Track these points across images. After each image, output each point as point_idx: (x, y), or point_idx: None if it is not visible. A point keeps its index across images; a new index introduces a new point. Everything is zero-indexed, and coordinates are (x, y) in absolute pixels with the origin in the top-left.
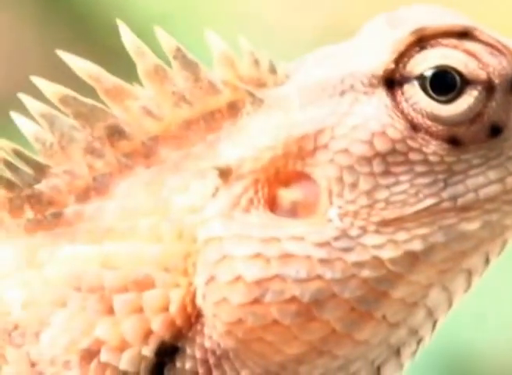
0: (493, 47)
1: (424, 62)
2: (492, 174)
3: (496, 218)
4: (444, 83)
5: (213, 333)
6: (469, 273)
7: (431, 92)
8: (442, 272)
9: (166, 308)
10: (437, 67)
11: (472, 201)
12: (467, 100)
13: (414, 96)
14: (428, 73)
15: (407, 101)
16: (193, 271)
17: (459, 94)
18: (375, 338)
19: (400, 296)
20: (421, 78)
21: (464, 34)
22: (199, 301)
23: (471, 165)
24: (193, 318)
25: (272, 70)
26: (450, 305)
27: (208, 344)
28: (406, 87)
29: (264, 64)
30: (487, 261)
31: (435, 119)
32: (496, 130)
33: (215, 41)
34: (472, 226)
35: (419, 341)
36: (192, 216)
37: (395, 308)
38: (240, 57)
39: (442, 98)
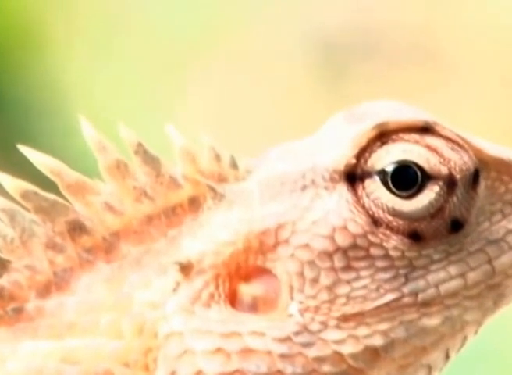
0: (454, 142)
1: (386, 157)
2: (453, 269)
3: (456, 313)
4: (405, 179)
5: None
6: (429, 369)
7: (392, 187)
8: (402, 367)
9: None
10: (398, 162)
11: (433, 297)
12: (429, 195)
13: (376, 191)
14: (390, 168)
15: (368, 196)
16: (154, 367)
17: (420, 189)
18: None
19: None
20: (382, 173)
21: (426, 129)
22: None
23: (432, 260)
24: None
25: (233, 165)
26: None
27: None
28: (367, 182)
29: (226, 159)
30: (447, 356)
31: (396, 214)
32: (456, 226)
33: (175, 135)
34: (433, 321)
35: None
36: (153, 312)
37: None
38: (201, 152)
39: (404, 193)
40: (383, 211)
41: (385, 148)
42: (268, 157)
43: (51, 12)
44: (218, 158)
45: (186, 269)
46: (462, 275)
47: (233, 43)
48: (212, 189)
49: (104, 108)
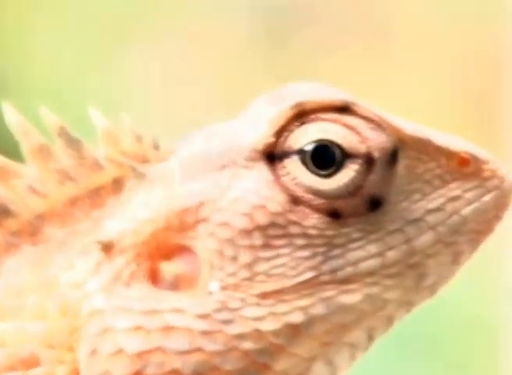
0: (373, 121)
1: (305, 137)
2: (372, 248)
3: (376, 291)
4: (324, 158)
5: None
6: (352, 348)
7: (311, 166)
8: (324, 345)
9: None
10: (317, 141)
11: (352, 275)
12: (348, 173)
13: (295, 170)
14: (309, 148)
15: (287, 175)
16: (77, 347)
17: (339, 167)
18: None
19: (281, 368)
20: (301, 152)
21: (344, 109)
22: None
23: (351, 238)
24: None
25: (156, 146)
26: None
27: None
28: (286, 161)
29: (148, 140)
30: (370, 337)
31: (315, 192)
32: (375, 204)
33: (97, 118)
34: (352, 298)
35: None
36: (76, 292)
37: None
38: (123, 133)
39: (323, 172)
40: (302, 190)
41: (304, 127)
42: (192, 138)
43: None
44: (139, 139)
45: (107, 248)
46: (380, 254)
47: (172, 11)
48: (133, 169)
49: (44, 78)
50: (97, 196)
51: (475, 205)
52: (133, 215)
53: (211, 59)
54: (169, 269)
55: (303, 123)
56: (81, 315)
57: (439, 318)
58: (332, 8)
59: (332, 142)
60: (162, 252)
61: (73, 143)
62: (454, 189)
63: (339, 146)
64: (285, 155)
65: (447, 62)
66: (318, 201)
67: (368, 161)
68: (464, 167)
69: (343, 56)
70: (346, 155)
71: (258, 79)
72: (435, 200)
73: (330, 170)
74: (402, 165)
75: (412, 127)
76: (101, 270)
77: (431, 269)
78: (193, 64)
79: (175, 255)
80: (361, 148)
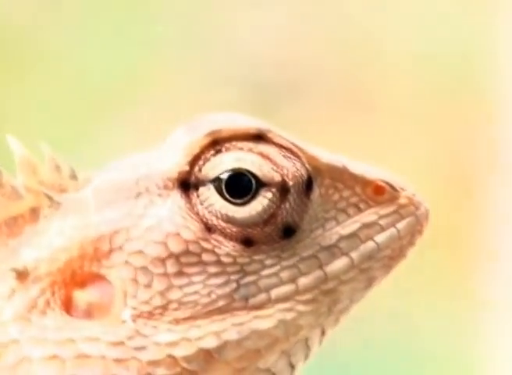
0: (287, 149)
1: (220, 166)
2: (284, 275)
3: (290, 317)
4: (239, 186)
5: None
6: (270, 373)
7: (226, 195)
8: (237, 371)
9: None
10: (232, 170)
11: (264, 302)
12: (262, 202)
13: (209, 199)
14: (224, 176)
15: (201, 203)
16: None
17: (254, 196)
18: None
19: None
20: (216, 181)
21: (259, 137)
22: None
23: (264, 265)
24: None
25: (73, 176)
26: None
27: None
28: (201, 189)
29: (66, 170)
30: (291, 364)
31: (229, 220)
32: (289, 232)
33: (16, 146)
34: (265, 324)
35: None
36: None
37: None
38: (41, 163)
39: (238, 201)
40: (217, 218)
41: (219, 156)
42: (108, 168)
43: None
44: (58, 169)
45: (21, 276)
46: (293, 280)
47: (157, 86)
48: (49, 197)
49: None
50: (15, 225)
51: (390, 231)
52: (49, 243)
53: None
54: (83, 297)
55: (218, 152)
56: None
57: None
58: (320, 83)
59: (247, 171)
60: (77, 280)
61: None
62: (369, 216)
63: (253, 175)
64: (200, 183)
65: (432, 134)
66: (232, 230)
67: (282, 189)
68: (380, 195)
69: (330, 130)
70: (261, 184)
71: None
72: (349, 226)
73: (245, 199)
74: (317, 193)
75: (328, 156)
76: (15, 298)
77: (344, 295)
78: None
79: (89, 284)
80: (276, 177)
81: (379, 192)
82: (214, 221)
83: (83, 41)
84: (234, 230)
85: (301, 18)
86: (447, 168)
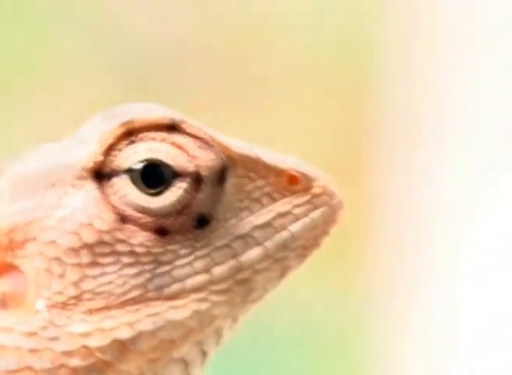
0: (201, 139)
1: (133, 156)
2: (198, 264)
3: (204, 308)
4: (153, 176)
5: None
6: (185, 363)
7: (140, 185)
8: (152, 361)
9: None
10: (146, 160)
11: (178, 292)
12: (176, 192)
13: (123, 189)
14: (137, 167)
15: (115, 193)
16: None
17: (168, 186)
18: None
19: None
20: (130, 171)
21: (173, 127)
22: None
23: (178, 255)
24: None
25: None
26: None
27: None
28: (115, 179)
29: None
30: (203, 352)
31: (144, 211)
32: (203, 221)
33: None
34: (180, 315)
35: None
36: None
37: None
38: None
39: (152, 191)
40: (131, 208)
41: (133, 146)
42: (23, 158)
43: None
44: None
45: None
46: (207, 270)
47: (44, 73)
48: None
49: None
50: None
51: (304, 220)
52: None
53: (80, 111)
54: None
55: (132, 142)
56: None
57: None
58: (203, 64)
59: (160, 162)
60: None
61: None
62: (283, 205)
63: (167, 165)
64: (114, 173)
65: (314, 102)
66: (145, 220)
67: (196, 180)
68: (293, 185)
69: (203, 98)
70: (175, 174)
71: None
72: (263, 216)
73: (159, 189)
74: (230, 183)
75: (241, 146)
76: None
77: (258, 284)
78: (62, 116)
79: (3, 274)
80: (189, 167)
81: (293, 182)
82: (128, 211)
83: None
84: (148, 220)
85: None
86: (332, 153)
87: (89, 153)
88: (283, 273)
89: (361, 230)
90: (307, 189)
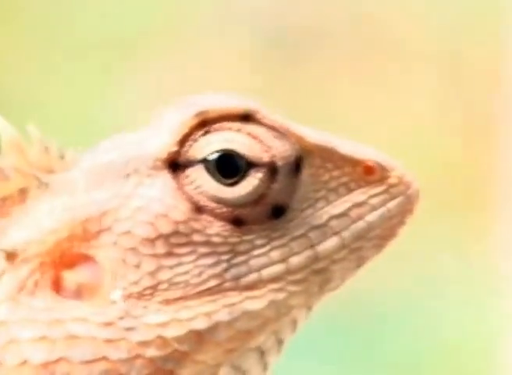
0: (276, 130)
1: (209, 146)
2: (275, 254)
3: (281, 298)
4: (229, 167)
5: None
6: (261, 352)
7: (216, 175)
8: (228, 351)
9: None
10: (221, 151)
11: (256, 281)
12: (251, 182)
13: (199, 179)
14: (213, 157)
15: (191, 184)
16: None
17: (243, 176)
18: None
19: None
20: (205, 162)
21: (247, 117)
22: None
23: (254, 245)
24: None
25: (61, 156)
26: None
27: None
28: (190, 170)
29: (54, 151)
30: (279, 341)
31: (219, 201)
32: (279, 211)
33: (4, 127)
34: (257, 305)
35: None
36: None
37: None
38: (29, 144)
39: (228, 181)
40: (206, 198)
41: (208, 136)
42: (97, 148)
43: None
44: (46, 149)
45: (11, 257)
46: (284, 260)
47: (177, 36)
48: (37, 178)
49: (39, 108)
50: (3, 205)
51: (380, 210)
52: (38, 224)
53: (214, 79)
54: (72, 278)
55: (207, 132)
56: None
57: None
58: (338, 30)
59: (236, 152)
60: (66, 261)
61: None
62: (359, 195)
63: (243, 155)
64: (189, 163)
65: (450, 80)
66: (222, 210)
67: (272, 170)
68: (370, 175)
69: (349, 77)
70: (250, 164)
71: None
72: (339, 206)
73: (234, 179)
74: (306, 173)
75: (317, 136)
76: (4, 279)
77: (335, 275)
78: (195, 84)
79: (78, 264)
80: (265, 157)
81: (369, 172)
82: (204, 202)
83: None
84: (224, 210)
85: None
86: (462, 116)
87: (163, 143)
88: (360, 263)
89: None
90: (383, 179)
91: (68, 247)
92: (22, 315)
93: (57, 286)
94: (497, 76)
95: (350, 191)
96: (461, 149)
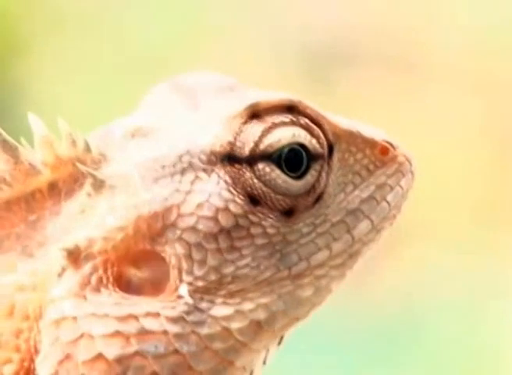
0: (316, 119)
1: (269, 139)
2: (320, 241)
3: (324, 283)
4: (294, 160)
5: None
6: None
7: (285, 169)
8: (275, 337)
9: None
10: (290, 145)
11: (304, 269)
12: (313, 174)
13: (270, 173)
14: (284, 151)
15: (259, 177)
16: (26, 347)
17: (307, 169)
18: None
19: (242, 364)
20: (274, 156)
21: (292, 108)
22: None
23: (302, 234)
24: None
25: (88, 149)
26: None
27: None
28: (260, 164)
29: (80, 143)
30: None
31: (285, 193)
32: (319, 198)
33: (36, 124)
34: (306, 292)
35: None
36: (23, 294)
37: None
38: (59, 138)
39: (294, 174)
40: (274, 191)
41: (258, 127)
42: (122, 137)
43: (24, 13)
44: (74, 143)
45: (73, 254)
46: (328, 246)
47: (208, 52)
48: (92, 175)
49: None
50: (34, 200)
51: (396, 190)
52: (100, 222)
53: None
54: (136, 274)
55: (257, 124)
56: (31, 317)
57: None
58: (376, 47)
59: (304, 145)
60: (130, 258)
61: (10, 148)
62: (379, 176)
63: (308, 149)
64: (257, 158)
65: (474, 95)
66: (284, 201)
67: (324, 159)
68: (385, 155)
69: (384, 95)
70: (310, 156)
71: None
72: (366, 189)
73: (298, 172)
74: (336, 158)
75: (342, 120)
76: (66, 276)
77: (363, 256)
78: None
79: (142, 260)
80: (318, 148)
81: (385, 152)
82: (268, 194)
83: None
84: (286, 201)
85: None
86: (500, 134)
87: (216, 137)
88: (379, 242)
89: None
90: (394, 158)
91: (133, 243)
92: (90, 310)
93: (119, 282)
94: None
95: (370, 172)
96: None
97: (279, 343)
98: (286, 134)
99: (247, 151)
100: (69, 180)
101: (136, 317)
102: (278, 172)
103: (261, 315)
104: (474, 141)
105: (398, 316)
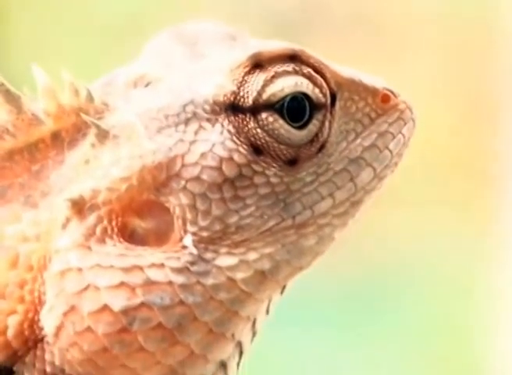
0: (318, 68)
1: (272, 88)
2: (323, 190)
3: (327, 232)
4: (296, 109)
5: (56, 360)
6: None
7: (287, 118)
8: (280, 287)
9: (3, 333)
10: (293, 94)
11: (308, 218)
12: (315, 124)
13: (273, 123)
14: (286, 100)
15: (262, 127)
16: (30, 298)
17: (310, 118)
18: (222, 356)
19: (247, 314)
20: (277, 105)
21: (294, 58)
22: (46, 330)
23: (305, 183)
24: (30, 343)
25: (90, 98)
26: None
27: (49, 369)
28: (247, 111)
29: (83, 93)
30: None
31: (288, 143)
32: (322, 146)
33: (39, 74)
34: (309, 242)
35: (241, 353)
36: (26, 245)
37: (240, 326)
38: (61, 88)
39: (297, 124)
40: (276, 141)
41: (261, 77)
42: (124, 87)
43: None
44: (77, 92)
45: (77, 205)
46: (331, 195)
47: (177, 21)
48: (96, 125)
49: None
50: (37, 150)
51: (398, 138)
52: (105, 172)
53: None
54: (141, 224)
55: (259, 73)
56: (35, 268)
57: None
58: (347, 11)
59: (307, 95)
60: (134, 208)
61: (12, 98)
62: (381, 124)
63: (311, 98)
64: (248, 106)
65: (445, 59)
66: (287, 151)
67: (326, 109)
68: (386, 103)
69: (355, 59)
70: (313, 106)
71: None
72: (368, 137)
73: (301, 122)
74: (338, 106)
75: (343, 69)
76: (71, 227)
77: (365, 205)
78: None
79: (146, 211)
80: (321, 98)
81: (386, 100)
82: (271, 143)
83: None
84: (289, 151)
85: None
86: (463, 93)
87: (219, 87)
88: (381, 190)
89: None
90: (395, 106)
91: (137, 194)
92: (95, 261)
93: (123, 233)
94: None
95: (371, 120)
96: (465, 133)
97: (282, 292)
98: (288, 83)
99: (250, 100)
100: (72, 130)
101: (141, 268)
102: (281, 121)
103: (265, 265)
104: (441, 106)
105: (396, 275)
